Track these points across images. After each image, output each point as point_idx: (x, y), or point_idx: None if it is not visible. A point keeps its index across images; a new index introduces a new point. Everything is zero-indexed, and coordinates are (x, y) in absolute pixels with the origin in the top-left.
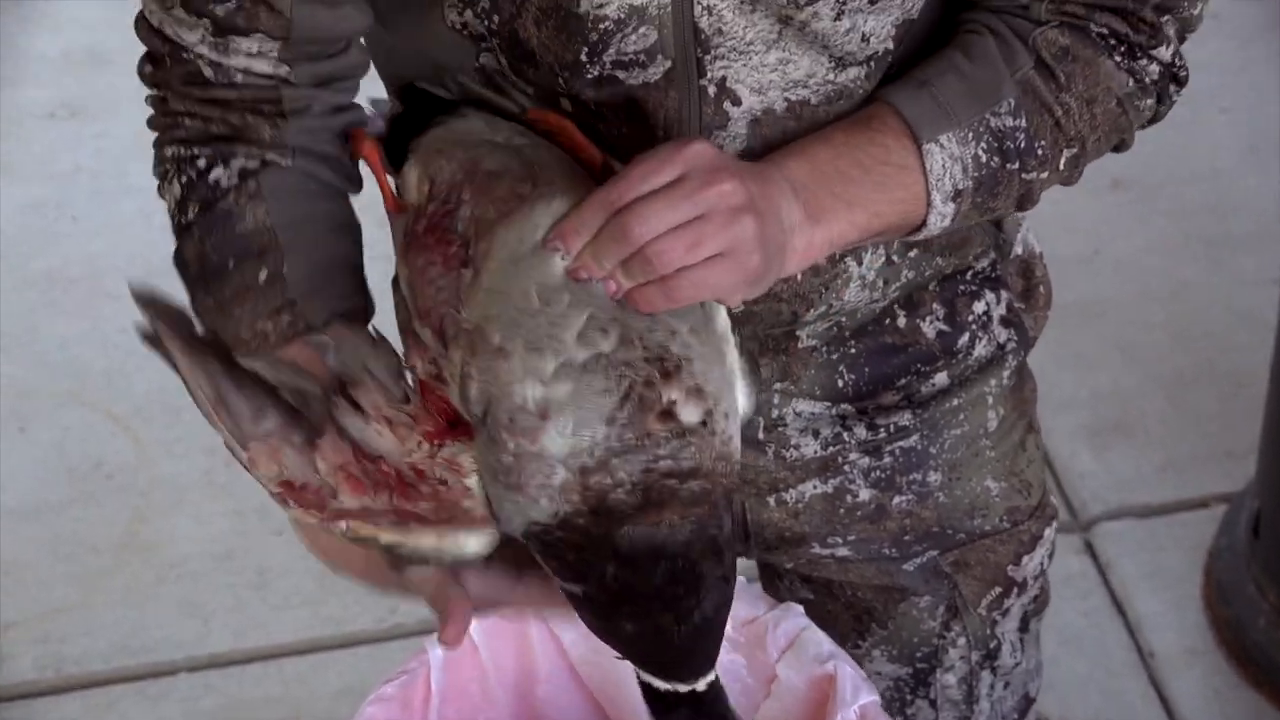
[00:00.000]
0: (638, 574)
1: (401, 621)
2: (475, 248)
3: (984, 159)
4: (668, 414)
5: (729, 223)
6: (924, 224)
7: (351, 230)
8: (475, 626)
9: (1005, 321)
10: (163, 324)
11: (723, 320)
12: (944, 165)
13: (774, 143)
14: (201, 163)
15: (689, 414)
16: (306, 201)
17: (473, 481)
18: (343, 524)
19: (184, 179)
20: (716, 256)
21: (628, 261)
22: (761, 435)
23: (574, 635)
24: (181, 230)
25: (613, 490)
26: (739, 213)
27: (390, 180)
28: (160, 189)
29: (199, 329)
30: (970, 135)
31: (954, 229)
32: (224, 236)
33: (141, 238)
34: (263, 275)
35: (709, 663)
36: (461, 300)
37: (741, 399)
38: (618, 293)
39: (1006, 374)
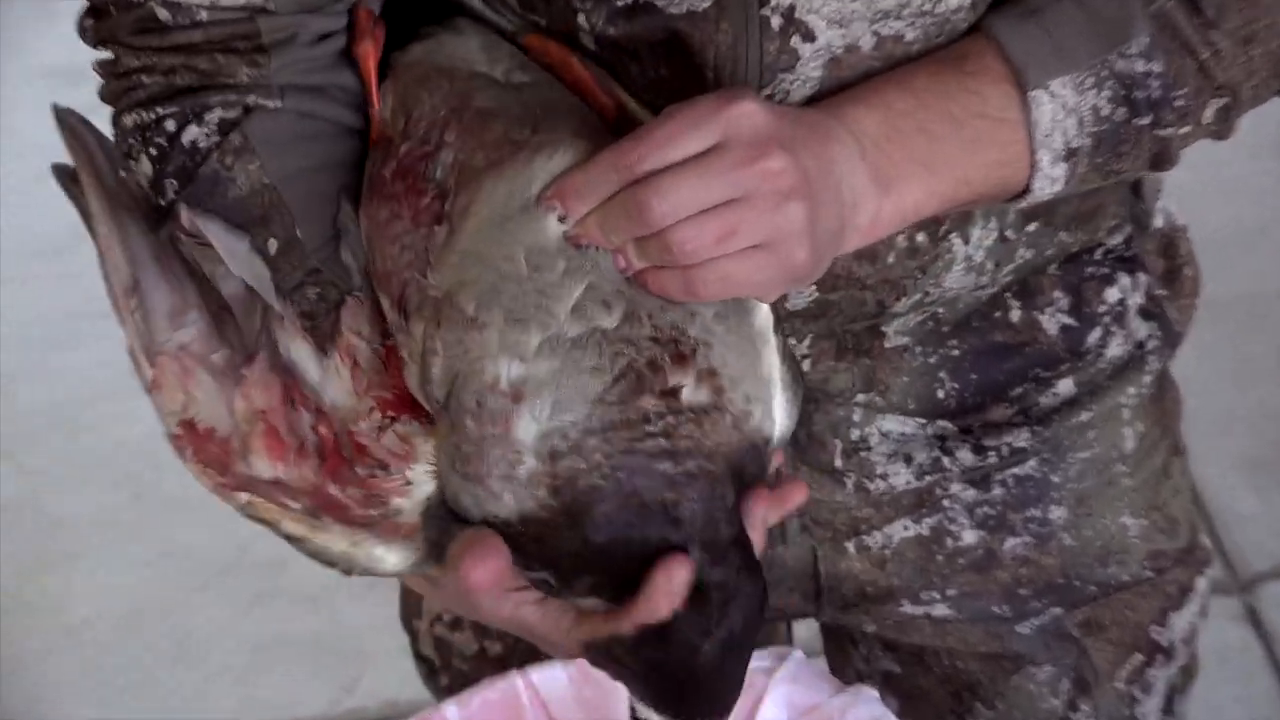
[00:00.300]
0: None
1: (361, 705)
2: (454, 201)
3: (1106, 111)
4: (669, 393)
5: (772, 209)
6: (1027, 190)
7: None
8: (469, 706)
9: (1145, 313)
10: (84, 163)
11: (762, 316)
12: (1054, 118)
13: (851, 86)
14: (170, 125)
15: (696, 395)
16: (308, 146)
17: (417, 474)
18: (243, 495)
19: (152, 150)
20: (753, 248)
21: (643, 241)
22: (839, 462)
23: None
24: (165, 216)
25: (585, 474)
26: (786, 197)
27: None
28: (129, 171)
29: (133, 183)
30: (1090, 81)
31: (1067, 195)
32: (216, 209)
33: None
34: (273, 245)
35: (721, 702)
36: (429, 261)
37: (780, 414)
38: (627, 270)
39: (1147, 380)
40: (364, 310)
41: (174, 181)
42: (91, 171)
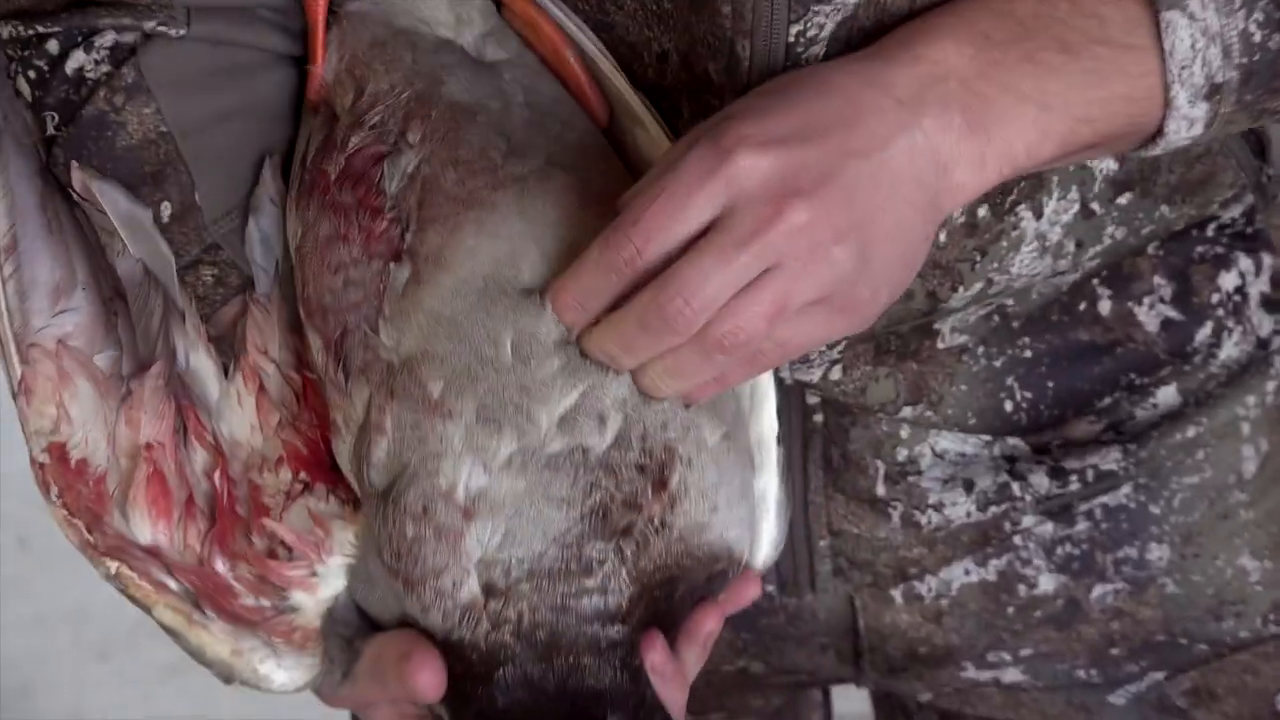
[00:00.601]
0: None
1: None
2: (420, 237)
3: (1259, 36)
4: (625, 530)
5: (815, 265)
6: (1160, 133)
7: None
8: None
9: (1270, 303)
10: None
11: (768, 419)
12: (1194, 46)
13: (891, 10)
14: (52, 46)
15: (653, 519)
16: (220, 85)
17: (327, 568)
18: (111, 564)
19: (31, 73)
20: (807, 306)
21: (679, 350)
22: (881, 489)
23: None
24: (46, 146)
25: (507, 625)
26: (826, 247)
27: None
28: (10, 90)
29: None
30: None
31: (1206, 141)
32: (100, 159)
33: None
34: (166, 210)
35: None
36: (383, 310)
37: (769, 533)
38: (657, 392)
39: (1272, 386)
40: (273, 322)
41: (54, 115)
42: None
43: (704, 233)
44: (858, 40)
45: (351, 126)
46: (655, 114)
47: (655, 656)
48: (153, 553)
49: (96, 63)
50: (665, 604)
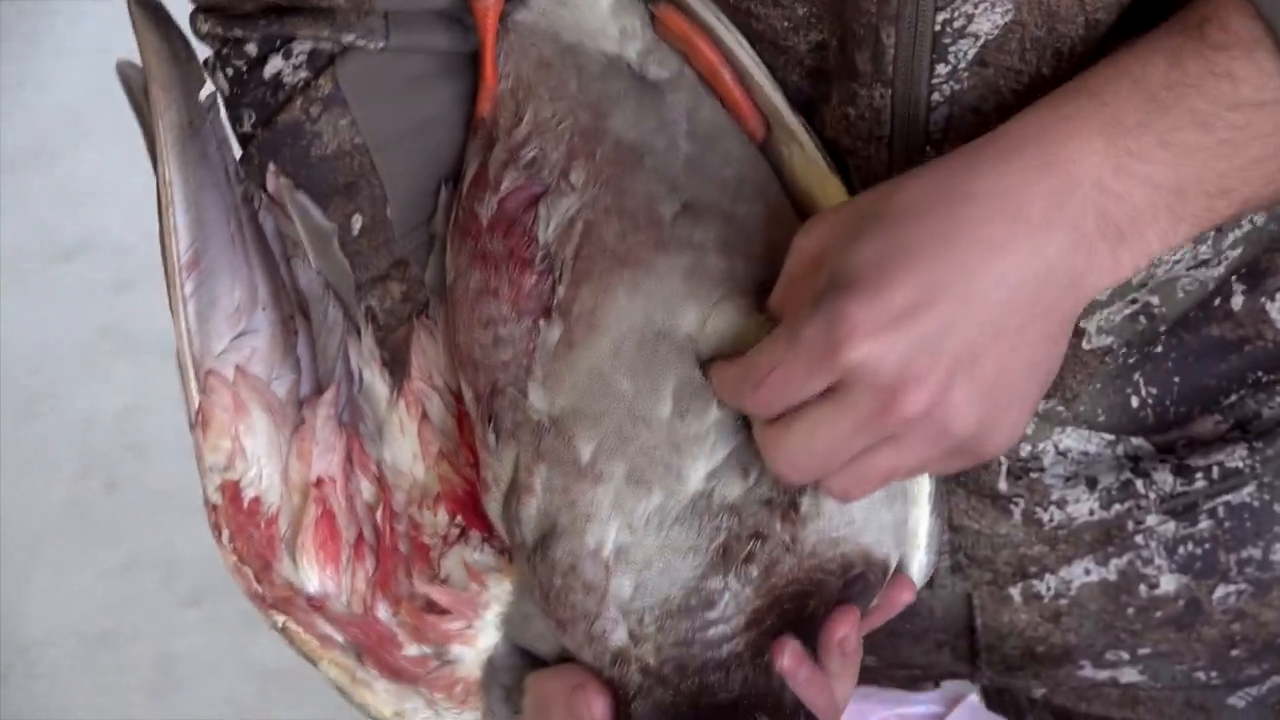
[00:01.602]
0: None
1: None
2: (571, 289)
3: None
4: (748, 558)
5: (930, 441)
6: None
7: None
8: None
9: None
10: (160, 75)
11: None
12: None
13: (1061, 14)
14: (250, 48)
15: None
16: (413, 97)
17: (484, 620)
18: (279, 618)
19: (229, 71)
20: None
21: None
22: (1004, 485)
23: None
24: (242, 143)
25: (640, 665)
26: (943, 424)
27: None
28: (210, 76)
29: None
30: None
31: None
32: (294, 166)
33: None
34: (357, 223)
35: None
36: (533, 371)
37: (919, 563)
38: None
39: None
40: (440, 347)
41: (251, 113)
42: (167, 88)
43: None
44: (1030, 53)
45: (506, 163)
46: (811, 131)
47: (785, 661)
48: (318, 606)
49: (295, 68)
50: (797, 615)
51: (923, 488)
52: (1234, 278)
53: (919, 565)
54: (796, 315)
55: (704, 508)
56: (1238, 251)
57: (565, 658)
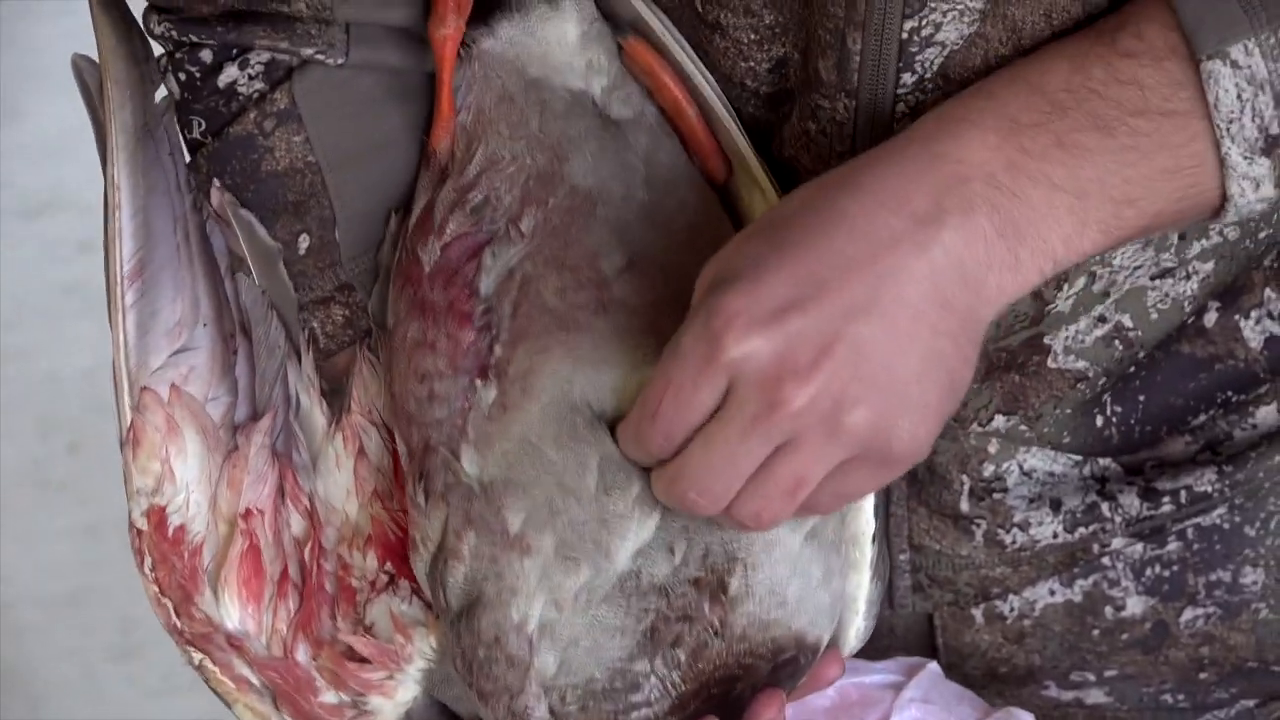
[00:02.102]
0: None
1: None
2: (508, 348)
3: None
4: (675, 642)
5: (828, 438)
6: (1225, 198)
7: None
8: None
9: None
10: (116, 76)
11: (865, 517)
12: (1240, 96)
13: (1026, 31)
14: (206, 55)
15: (707, 623)
16: (369, 116)
17: (407, 674)
18: (196, 655)
19: (181, 75)
20: (840, 466)
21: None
22: (965, 505)
23: None
24: (191, 149)
25: None
26: (834, 419)
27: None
28: (162, 77)
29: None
30: None
31: None
32: (243, 179)
33: None
34: (304, 243)
35: None
36: (466, 432)
37: (857, 628)
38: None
39: None
40: (380, 381)
41: (201, 122)
42: (122, 86)
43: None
44: (994, 66)
45: (453, 205)
46: (773, 179)
47: None
48: (237, 645)
49: (250, 79)
50: (723, 699)
51: (865, 554)
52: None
53: (856, 631)
54: (677, 332)
55: (632, 588)
56: (1209, 266)
57: None
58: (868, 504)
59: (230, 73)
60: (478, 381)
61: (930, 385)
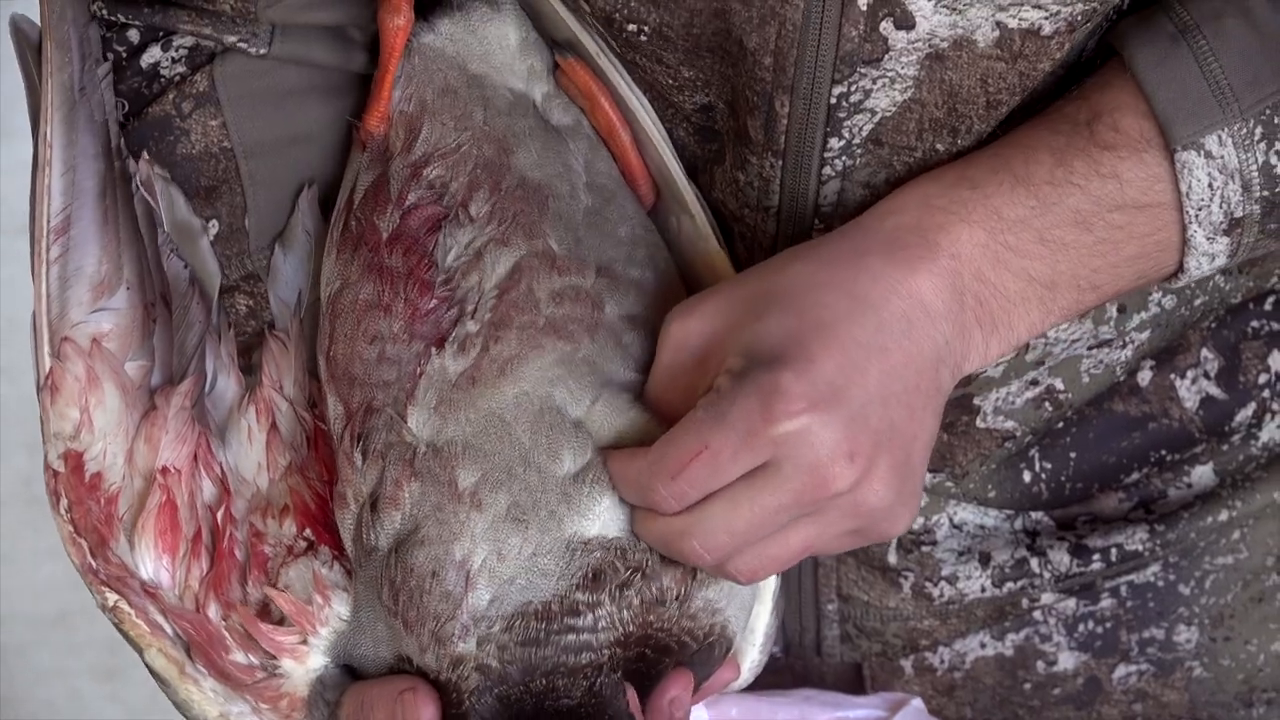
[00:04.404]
0: None
1: None
2: (493, 330)
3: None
4: (624, 585)
5: (848, 515)
6: (1181, 270)
7: None
8: None
9: None
10: (56, 38)
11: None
12: (1211, 185)
13: (962, 95)
14: (132, 35)
15: (656, 587)
16: (290, 107)
17: (320, 637)
18: (110, 596)
19: (109, 55)
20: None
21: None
22: (893, 558)
23: None
24: (120, 128)
25: (479, 662)
26: (864, 499)
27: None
28: (96, 62)
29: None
30: (1260, 130)
31: (1230, 267)
32: (159, 161)
33: None
34: (213, 229)
35: None
36: (414, 393)
37: (751, 660)
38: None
39: None
40: (290, 359)
41: (124, 103)
42: (62, 48)
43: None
44: (928, 132)
45: (409, 179)
46: (704, 203)
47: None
48: (151, 592)
49: (173, 61)
50: (650, 667)
51: (769, 587)
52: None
53: (750, 663)
54: (717, 397)
55: (580, 545)
56: (1145, 335)
57: (394, 673)
58: None
59: (154, 53)
60: (433, 349)
61: (925, 463)
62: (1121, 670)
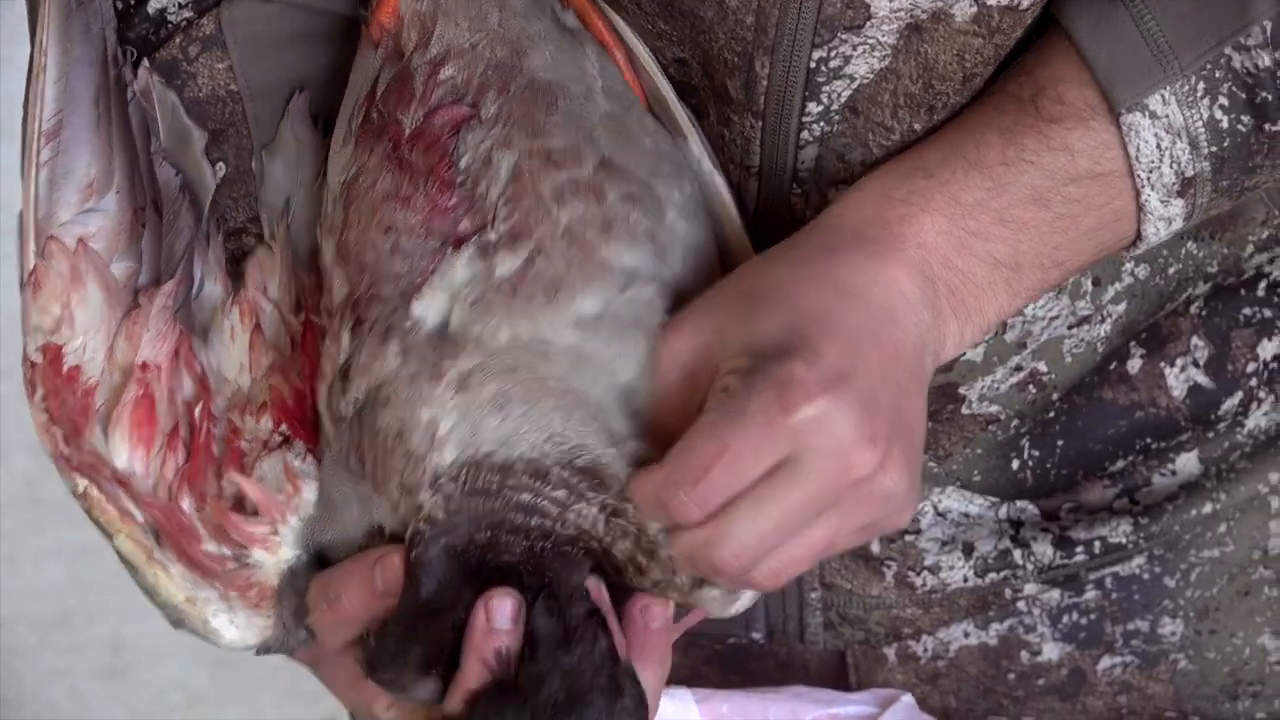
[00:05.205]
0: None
1: None
2: (506, 244)
3: (1226, 123)
4: (616, 511)
5: (867, 504)
6: (1139, 238)
7: None
8: None
9: None
10: None
11: None
12: (1159, 145)
13: (938, 71)
14: None
15: (646, 533)
16: (295, 50)
17: (290, 528)
18: (80, 481)
19: (118, 3)
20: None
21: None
22: (876, 546)
23: None
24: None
25: (425, 512)
26: (880, 486)
27: None
28: None
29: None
30: (1201, 86)
31: (1190, 228)
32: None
33: None
34: (220, 170)
35: None
36: (423, 288)
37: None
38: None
39: None
40: (277, 262)
41: (133, 50)
42: None
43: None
44: (904, 110)
45: (430, 77)
46: (699, 129)
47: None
48: (123, 481)
49: (180, 6)
50: (617, 577)
51: None
52: (1133, 342)
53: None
54: (728, 397)
55: (559, 457)
56: (1121, 307)
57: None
58: None
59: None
60: (452, 251)
61: (920, 438)
62: (1106, 662)
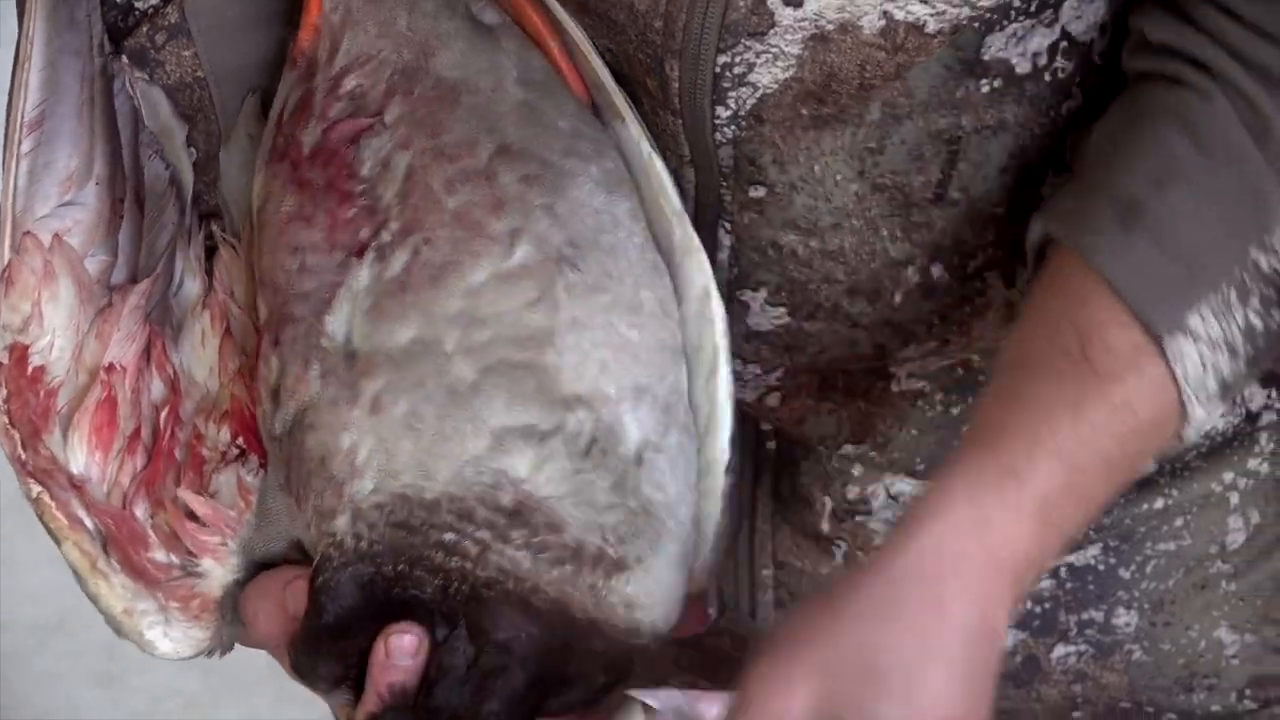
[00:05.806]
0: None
1: None
2: (398, 242)
3: (1260, 325)
4: (522, 522)
5: None
6: (1179, 439)
7: None
8: None
9: (1266, 376)
10: None
11: (721, 444)
12: (1204, 362)
13: (839, 76)
14: None
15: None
16: (257, 35)
17: (239, 540)
18: (34, 487)
19: None
20: None
21: None
22: (826, 526)
23: None
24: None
25: (335, 538)
26: None
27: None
28: None
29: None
30: (1233, 293)
31: None
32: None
33: None
34: (191, 157)
35: None
36: (333, 302)
37: (714, 521)
38: None
39: (1254, 464)
40: (241, 265)
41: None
42: None
43: None
44: (805, 108)
45: (329, 93)
46: (635, 111)
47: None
48: (78, 486)
49: None
50: (560, 651)
51: (715, 490)
52: None
53: (702, 561)
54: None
55: (482, 494)
56: None
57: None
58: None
59: None
60: (355, 260)
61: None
62: (1060, 650)
